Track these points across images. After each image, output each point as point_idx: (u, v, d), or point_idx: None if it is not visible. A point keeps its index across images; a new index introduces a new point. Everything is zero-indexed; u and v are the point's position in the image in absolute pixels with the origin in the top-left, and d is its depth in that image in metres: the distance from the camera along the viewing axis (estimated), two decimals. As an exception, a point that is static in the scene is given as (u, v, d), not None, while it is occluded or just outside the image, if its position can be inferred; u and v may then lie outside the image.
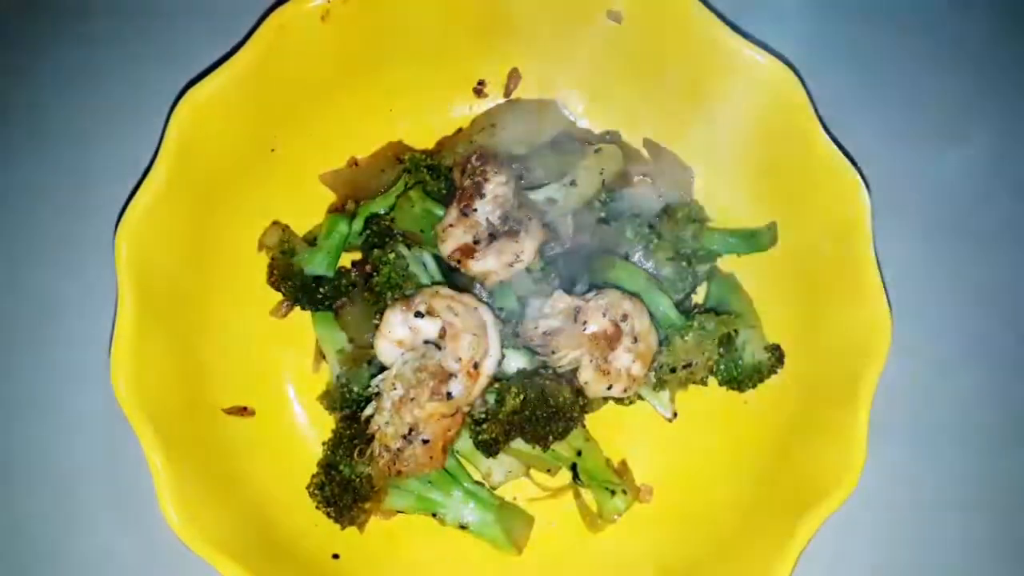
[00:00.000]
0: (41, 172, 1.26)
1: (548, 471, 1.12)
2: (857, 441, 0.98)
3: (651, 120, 1.21)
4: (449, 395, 0.99)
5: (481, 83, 1.23)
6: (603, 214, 1.15)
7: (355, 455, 1.03)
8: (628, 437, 1.15)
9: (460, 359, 1.00)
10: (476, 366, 1.00)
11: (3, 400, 1.18)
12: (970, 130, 1.31)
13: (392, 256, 1.05)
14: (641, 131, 1.22)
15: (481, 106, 1.24)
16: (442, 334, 1.00)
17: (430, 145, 1.22)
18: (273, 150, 1.16)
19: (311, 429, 1.15)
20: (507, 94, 1.23)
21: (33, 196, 1.25)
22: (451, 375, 0.99)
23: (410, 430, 0.99)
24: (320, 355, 1.15)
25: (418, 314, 1.00)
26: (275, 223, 1.16)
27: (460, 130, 1.22)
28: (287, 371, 1.17)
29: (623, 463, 1.14)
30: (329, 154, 1.20)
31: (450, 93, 1.23)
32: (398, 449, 1.00)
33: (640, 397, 1.12)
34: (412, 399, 0.98)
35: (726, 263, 1.19)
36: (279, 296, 1.15)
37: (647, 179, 1.20)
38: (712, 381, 1.14)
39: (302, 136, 1.17)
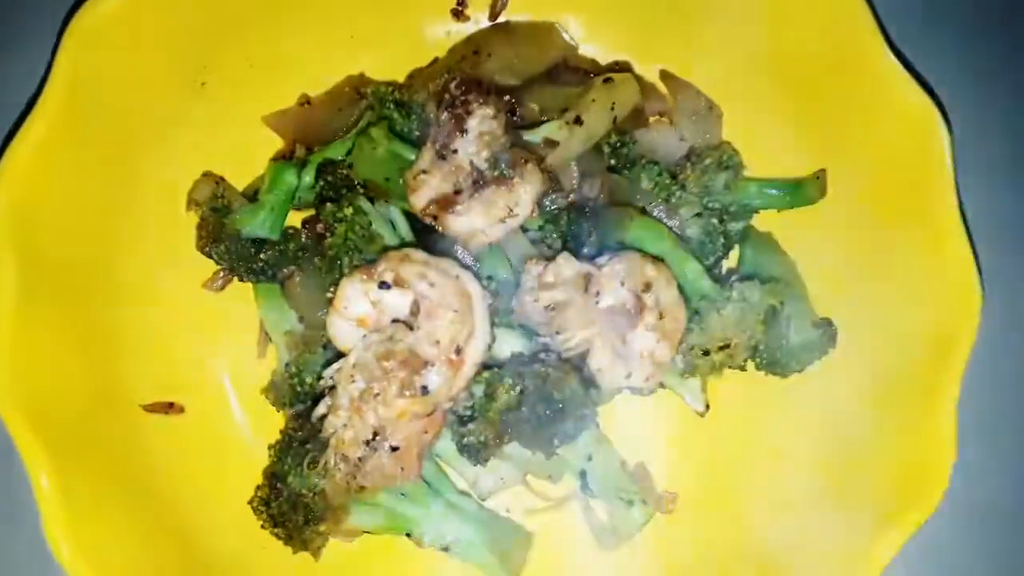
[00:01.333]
0: None
1: (549, 477, 0.98)
2: (941, 440, 0.86)
3: (669, 47, 1.08)
4: (424, 389, 0.83)
5: (461, 3, 1.09)
6: (614, 161, 1.02)
7: (306, 465, 0.87)
8: (647, 434, 1.03)
9: (438, 342, 0.84)
10: (459, 351, 0.84)
11: None
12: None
13: (350, 211, 0.91)
14: (658, 60, 1.09)
15: (461, 30, 1.10)
16: (414, 310, 0.85)
17: (399, 78, 1.08)
18: (203, 84, 1.02)
19: (254, 430, 1.01)
20: (493, 15, 1.10)
21: None
22: (426, 363, 0.83)
23: (374, 435, 0.84)
24: (265, 338, 1.02)
25: (383, 284, 0.85)
26: (206, 174, 1.02)
27: (436, 60, 1.09)
28: (224, 358, 1.03)
29: (641, 466, 1.01)
30: (275, 90, 1.06)
31: (424, 15, 1.09)
32: (359, 459, 0.84)
33: (663, 386, 0.98)
34: (376, 395, 0.82)
35: (763, 220, 1.05)
36: (212, 265, 1.01)
37: (666, 119, 1.07)
38: (749, 365, 1.00)
39: (240, 66, 1.04)
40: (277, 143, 1.05)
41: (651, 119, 1.08)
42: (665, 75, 1.08)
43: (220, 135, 1.03)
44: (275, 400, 0.97)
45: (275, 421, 0.97)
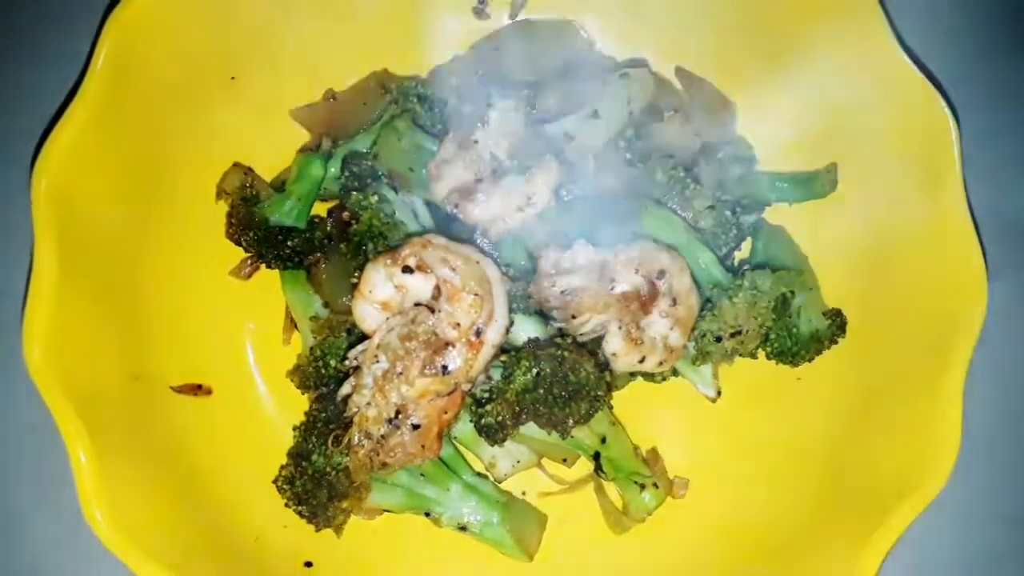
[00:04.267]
0: None
1: (564, 461, 0.99)
2: (948, 424, 0.86)
3: (685, 44, 1.09)
4: (445, 369, 0.84)
5: (482, 2, 1.11)
6: (629, 155, 1.03)
7: (330, 443, 0.88)
8: (660, 421, 1.04)
9: (458, 325, 0.85)
10: (478, 333, 0.85)
11: None
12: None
13: (374, 200, 0.93)
14: (673, 58, 1.10)
15: (483, 28, 1.12)
16: (436, 294, 0.86)
17: (422, 74, 1.10)
18: (233, 78, 1.04)
19: (279, 412, 1.03)
20: (513, 14, 1.11)
21: None
22: (447, 344, 0.84)
23: (396, 413, 0.85)
24: (291, 323, 1.04)
25: (406, 269, 0.86)
26: (236, 165, 1.04)
27: (457, 56, 1.10)
28: (251, 342, 1.05)
29: (653, 451, 1.02)
30: (301, 85, 1.08)
31: (446, 13, 1.11)
32: (382, 436, 0.85)
33: (676, 373, 1.01)
34: (399, 374, 0.84)
35: (775, 214, 1.06)
36: (241, 252, 1.03)
37: (681, 115, 1.08)
38: (761, 357, 1.02)
39: (269, 62, 1.05)
40: (304, 136, 1.07)
41: (667, 115, 1.07)
42: (680, 72, 1.09)
43: (249, 128, 1.04)
44: (300, 383, 0.98)
45: (300, 403, 0.98)
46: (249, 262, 1.04)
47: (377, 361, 0.84)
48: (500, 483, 0.98)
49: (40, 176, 0.86)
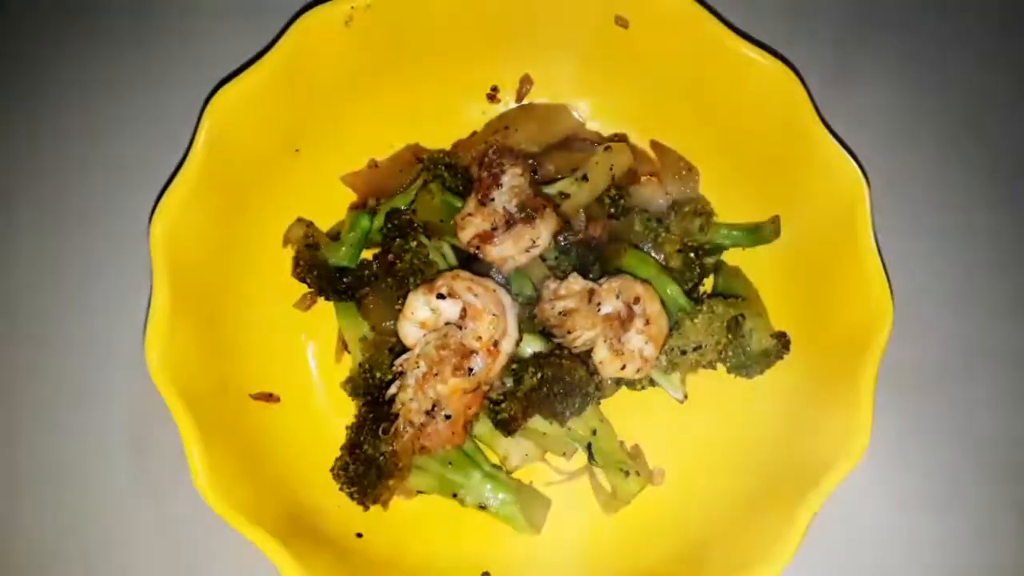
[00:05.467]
0: (75, 170, 1.33)
1: (564, 455, 1.14)
2: (862, 409, 1.00)
3: (658, 123, 1.26)
4: (471, 371, 1.03)
5: (495, 89, 1.28)
6: (613, 210, 1.21)
7: (379, 432, 1.06)
8: (640, 423, 1.18)
9: (480, 338, 1.04)
10: (496, 344, 1.04)
11: (41, 380, 1.23)
12: (967, 131, 1.37)
13: (414, 244, 1.10)
14: (648, 134, 1.27)
15: (495, 111, 1.28)
16: (463, 315, 1.03)
17: (447, 146, 1.26)
18: (297, 150, 1.21)
19: (335, 416, 1.17)
20: (519, 99, 1.28)
21: (73, 191, 1.32)
22: (472, 352, 1.03)
23: (433, 406, 1.03)
24: (342, 345, 1.19)
25: (440, 296, 1.04)
26: (299, 219, 1.21)
27: (475, 133, 1.26)
28: (311, 361, 1.21)
29: (636, 447, 1.17)
30: (350, 156, 1.25)
31: (465, 99, 1.28)
32: (421, 424, 1.03)
33: (652, 383, 1.17)
34: (435, 375, 1.02)
35: (732, 257, 1.23)
36: (302, 290, 1.20)
37: (654, 179, 1.25)
38: (721, 370, 1.18)
39: (325, 138, 1.22)
40: (352, 197, 1.23)
41: (643, 178, 1.23)
42: (654, 144, 1.25)
43: (309, 189, 1.20)
44: (352, 391, 1.13)
45: (351, 410, 1.13)
46: (309, 296, 1.20)
47: (418, 366, 1.04)
48: (512, 473, 1.13)
49: (156, 226, 1.02)
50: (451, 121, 1.27)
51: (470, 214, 1.10)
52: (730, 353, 1.16)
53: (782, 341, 1.14)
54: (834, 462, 1.01)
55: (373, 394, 1.11)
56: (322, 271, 1.15)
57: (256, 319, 1.17)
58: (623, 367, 1.09)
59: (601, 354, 1.08)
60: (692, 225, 1.19)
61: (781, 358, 1.14)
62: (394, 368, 1.07)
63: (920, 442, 1.24)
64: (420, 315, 1.05)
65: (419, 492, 1.12)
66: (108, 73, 1.36)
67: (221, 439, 1.04)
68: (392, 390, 1.07)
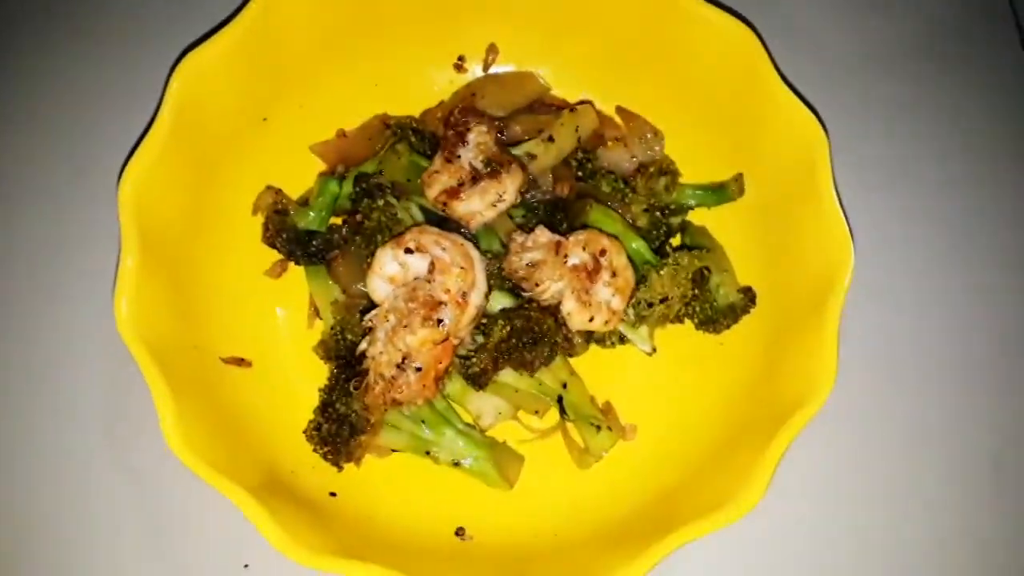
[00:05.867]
0: (45, 137, 1.35)
1: (536, 413, 1.15)
2: (827, 349, 1.02)
3: (622, 88, 1.28)
4: (440, 322, 1.04)
5: (461, 58, 1.29)
6: (580, 173, 1.23)
7: (351, 389, 1.06)
8: (611, 381, 1.19)
9: (449, 290, 1.05)
10: (464, 296, 1.04)
11: (10, 335, 1.24)
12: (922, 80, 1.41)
13: (381, 203, 1.10)
14: (613, 99, 1.29)
15: (462, 80, 1.30)
16: (431, 269, 1.04)
17: (415, 116, 1.26)
18: (265, 119, 1.21)
19: (308, 380, 1.16)
20: (486, 68, 1.29)
21: (42, 155, 1.34)
22: (440, 304, 1.04)
23: (403, 359, 1.04)
24: (314, 311, 1.19)
25: (407, 250, 1.05)
26: (268, 187, 1.21)
27: (442, 102, 1.27)
28: (282, 327, 1.21)
29: (607, 404, 1.18)
30: (319, 125, 1.25)
31: (433, 68, 1.29)
32: (392, 377, 1.04)
33: (621, 340, 1.19)
34: (405, 327, 1.03)
35: (698, 217, 1.24)
36: (273, 258, 1.20)
37: (620, 143, 1.26)
38: (689, 325, 1.21)
39: (292, 108, 1.23)
40: (321, 166, 1.23)
41: (609, 142, 1.25)
42: (619, 109, 1.27)
43: (278, 158, 1.20)
44: (324, 354, 1.13)
45: (323, 376, 1.12)
46: (280, 264, 1.21)
47: (387, 320, 1.05)
48: (485, 432, 1.13)
49: (125, 184, 1.03)
50: (419, 91, 1.28)
51: (436, 171, 1.11)
52: (697, 308, 1.18)
53: (748, 295, 1.17)
54: (802, 402, 1.03)
55: (345, 356, 1.11)
56: (291, 235, 1.15)
57: (227, 285, 1.17)
58: (591, 319, 1.10)
59: (569, 306, 1.09)
60: (657, 185, 1.21)
61: (748, 312, 1.17)
62: (363, 324, 1.08)
63: (885, 392, 1.27)
64: (388, 270, 1.06)
65: (393, 451, 1.12)
66: (76, 37, 1.38)
67: (192, 397, 1.04)
68: (362, 346, 1.07)
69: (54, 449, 1.19)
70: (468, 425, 1.14)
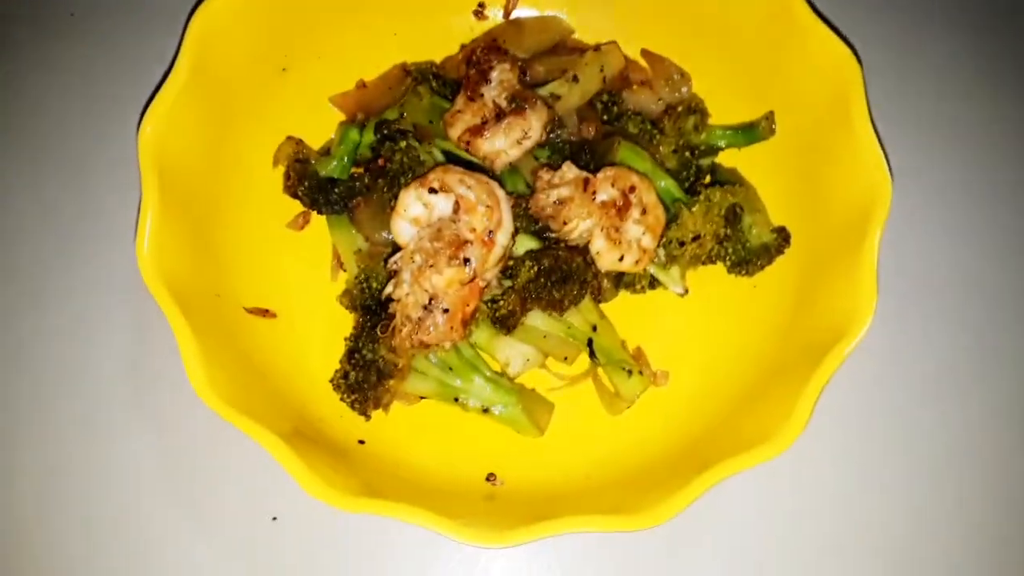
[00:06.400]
0: (66, 87, 1.35)
1: (565, 360, 1.12)
2: (865, 278, 0.99)
3: (646, 30, 1.26)
4: (467, 261, 1.01)
5: (481, 5, 1.27)
6: (605, 116, 1.21)
7: (377, 332, 1.04)
8: (641, 328, 1.17)
9: (474, 229, 1.02)
10: (490, 234, 1.02)
11: (32, 279, 1.24)
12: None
13: (404, 144, 1.09)
14: (638, 43, 1.26)
15: (482, 28, 1.28)
16: (456, 209, 1.02)
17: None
18: (284, 70, 1.21)
19: (333, 331, 1.14)
20: (507, 14, 1.28)
21: (61, 104, 1.33)
22: (467, 243, 1.01)
23: (430, 300, 1.02)
24: (337, 263, 1.18)
25: (432, 190, 1.02)
26: (289, 137, 1.20)
27: (463, 45, 1.26)
28: (306, 280, 1.19)
29: (638, 349, 1.16)
30: (338, 76, 1.24)
31: (451, 16, 1.28)
32: (419, 319, 1.02)
33: (651, 285, 1.17)
34: (431, 266, 1.01)
35: (728, 159, 1.22)
36: (295, 210, 1.20)
37: (646, 86, 1.24)
38: (721, 271, 1.18)
39: (311, 59, 1.23)
40: (341, 117, 1.22)
41: (634, 85, 1.22)
42: (645, 52, 1.24)
43: (298, 110, 1.20)
44: (349, 303, 1.12)
45: (349, 324, 1.11)
46: (302, 216, 1.20)
47: (413, 261, 1.03)
48: (513, 380, 1.11)
49: (145, 127, 1.02)
50: (438, 39, 1.27)
51: (459, 111, 1.10)
52: (730, 249, 1.15)
53: (782, 235, 1.14)
54: (843, 333, 1.00)
55: (370, 304, 1.09)
56: (313, 183, 1.14)
57: (249, 237, 1.17)
58: (621, 258, 1.08)
59: (598, 244, 1.07)
60: (686, 124, 1.19)
61: (782, 252, 1.14)
62: (388, 268, 1.06)
63: (921, 328, 1.23)
64: (412, 211, 1.03)
65: (421, 398, 1.11)
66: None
67: (216, 343, 1.02)
68: (388, 289, 1.05)
69: (78, 401, 1.18)
70: (496, 373, 1.12)
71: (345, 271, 1.18)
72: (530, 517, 0.95)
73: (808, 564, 1.12)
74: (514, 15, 1.28)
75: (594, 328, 1.11)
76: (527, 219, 1.10)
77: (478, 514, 0.96)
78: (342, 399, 1.10)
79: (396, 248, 1.08)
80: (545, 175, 1.07)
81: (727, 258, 1.16)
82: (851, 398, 1.17)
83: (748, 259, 1.15)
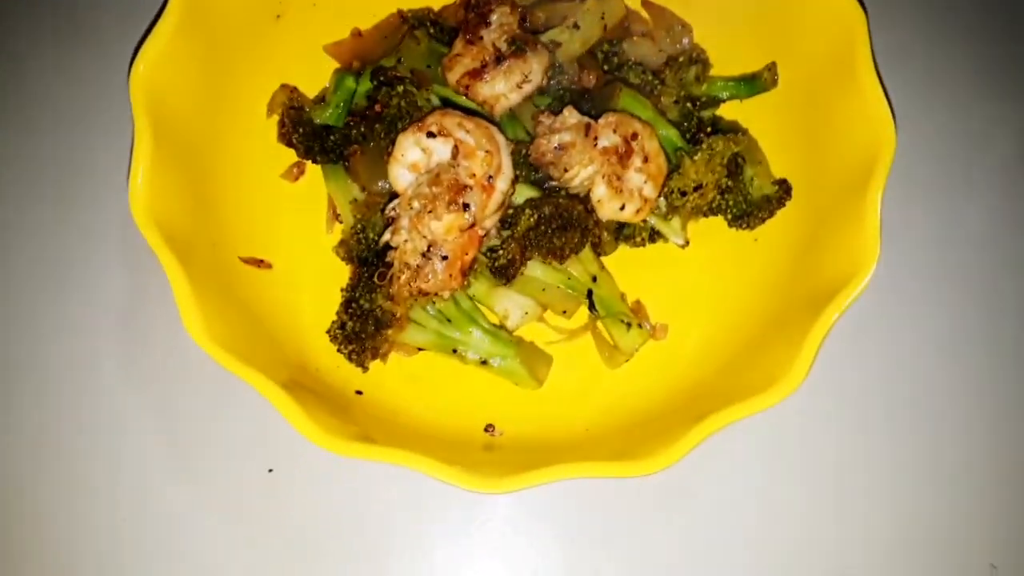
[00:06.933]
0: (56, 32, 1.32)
1: (564, 313, 1.11)
2: (868, 225, 0.98)
3: None
4: (466, 206, 0.99)
5: None
6: (606, 66, 1.19)
7: (375, 280, 1.03)
8: (640, 281, 1.16)
9: (474, 175, 1.01)
10: (490, 179, 1.00)
11: (29, 225, 1.22)
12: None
13: (401, 88, 1.07)
14: None
15: None
16: (455, 153, 1.00)
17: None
18: (278, 17, 1.19)
19: (329, 282, 1.12)
20: None
21: (53, 50, 1.31)
22: (466, 187, 1.00)
23: (429, 247, 1.00)
24: (333, 214, 1.17)
25: (430, 134, 1.01)
26: (283, 85, 1.18)
27: None
28: (302, 230, 1.17)
29: (638, 303, 1.15)
30: (333, 25, 1.22)
31: None
32: (418, 266, 1.00)
33: (651, 238, 1.15)
34: (429, 212, 0.99)
35: (730, 111, 1.20)
36: (288, 161, 1.18)
37: (647, 37, 1.23)
38: (722, 225, 1.17)
39: (306, 6, 1.21)
40: (336, 66, 1.19)
41: (635, 37, 1.20)
42: (645, 2, 1.23)
43: (292, 58, 1.18)
44: (345, 254, 1.10)
45: (345, 275, 1.10)
46: (296, 166, 1.18)
47: (411, 207, 1.01)
48: (512, 333, 1.10)
49: (137, 68, 1.01)
50: (436, -9, 1.26)
51: (458, 54, 1.08)
52: (731, 202, 1.14)
53: (783, 187, 1.13)
54: (847, 280, 0.99)
55: (366, 255, 1.08)
56: (307, 130, 1.12)
57: (244, 187, 1.15)
58: (622, 207, 1.06)
59: (599, 192, 1.05)
60: (688, 75, 1.17)
61: (783, 205, 1.14)
62: (386, 215, 1.04)
63: (922, 280, 1.22)
64: (411, 157, 1.02)
65: (419, 350, 1.10)
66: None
67: (211, 291, 1.00)
68: (385, 236, 1.03)
69: (71, 353, 1.16)
70: (495, 325, 1.11)
71: (341, 222, 1.17)
72: (529, 466, 0.94)
73: (805, 515, 1.12)
74: (514, -32, 1.25)
75: (594, 279, 1.10)
76: (527, 168, 1.09)
77: (477, 463, 0.95)
78: (339, 350, 1.08)
79: (394, 196, 1.06)
80: (546, 120, 1.05)
81: (728, 211, 1.15)
82: (851, 349, 1.16)
83: (749, 212, 1.14)
